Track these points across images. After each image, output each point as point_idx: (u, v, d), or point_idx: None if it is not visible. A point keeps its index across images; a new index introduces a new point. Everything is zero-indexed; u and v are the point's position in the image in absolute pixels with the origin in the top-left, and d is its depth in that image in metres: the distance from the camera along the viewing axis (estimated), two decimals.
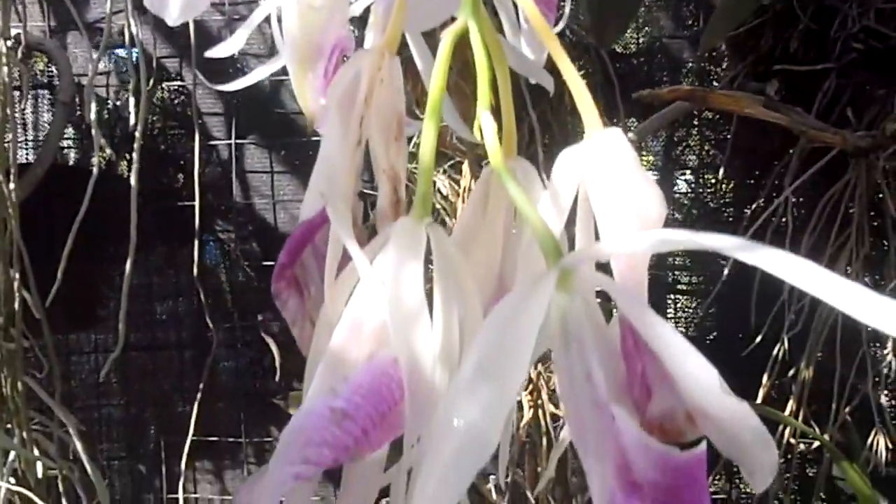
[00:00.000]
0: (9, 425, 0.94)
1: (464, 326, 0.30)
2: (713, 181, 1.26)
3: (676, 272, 1.36)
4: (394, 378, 0.27)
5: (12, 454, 0.90)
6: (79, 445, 0.88)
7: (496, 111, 0.33)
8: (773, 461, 0.26)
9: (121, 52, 1.35)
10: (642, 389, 0.27)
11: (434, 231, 0.30)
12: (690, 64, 1.22)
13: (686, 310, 1.34)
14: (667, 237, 0.24)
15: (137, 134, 0.91)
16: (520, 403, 1.03)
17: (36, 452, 0.95)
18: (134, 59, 1.14)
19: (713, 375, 0.24)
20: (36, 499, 0.86)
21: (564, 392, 0.25)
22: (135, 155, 0.91)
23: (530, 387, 1.01)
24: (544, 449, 1.02)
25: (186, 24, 1.24)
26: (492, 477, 1.10)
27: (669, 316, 1.33)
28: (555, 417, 1.05)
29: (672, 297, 1.36)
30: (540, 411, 1.01)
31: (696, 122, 1.25)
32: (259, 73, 0.44)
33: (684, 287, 1.33)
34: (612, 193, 0.28)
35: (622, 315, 0.26)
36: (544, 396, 1.01)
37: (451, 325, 0.29)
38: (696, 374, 0.24)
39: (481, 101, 0.31)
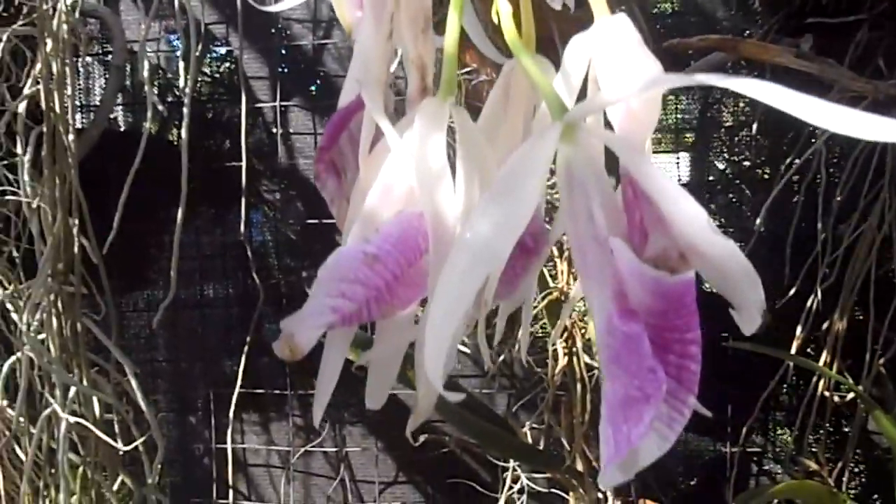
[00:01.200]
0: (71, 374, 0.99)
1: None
2: (748, 139, 1.27)
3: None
4: (419, 230, 0.31)
5: (71, 393, 0.96)
6: (134, 383, 0.93)
7: None
8: (759, 297, 0.29)
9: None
10: (641, 236, 0.30)
11: (458, 111, 0.34)
12: (725, 23, 1.23)
13: None
14: (656, 77, 0.27)
15: (188, 90, 0.96)
16: (554, 351, 1.06)
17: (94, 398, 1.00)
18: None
19: (702, 215, 0.27)
20: (95, 430, 0.91)
21: (570, 232, 0.28)
22: (185, 110, 0.95)
23: (565, 334, 1.04)
24: (579, 396, 1.05)
25: None
26: (527, 423, 1.14)
27: None
28: (589, 367, 1.07)
29: None
30: (575, 359, 1.04)
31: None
32: None
33: None
34: (617, 67, 0.31)
35: (622, 165, 0.29)
36: (579, 345, 1.04)
37: (472, 191, 0.33)
38: (687, 214, 0.27)
39: None
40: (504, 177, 0.26)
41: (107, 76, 1.39)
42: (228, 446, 1.33)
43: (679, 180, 1.33)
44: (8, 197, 0.92)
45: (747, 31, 1.19)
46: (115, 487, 1.04)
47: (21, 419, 0.93)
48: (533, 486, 1.14)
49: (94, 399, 1.00)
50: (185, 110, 0.95)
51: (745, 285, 0.28)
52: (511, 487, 1.13)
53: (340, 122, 0.36)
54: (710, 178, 1.36)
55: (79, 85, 1.36)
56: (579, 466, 1.09)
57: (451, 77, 0.33)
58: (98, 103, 1.39)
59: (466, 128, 0.34)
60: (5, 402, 0.99)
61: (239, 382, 1.30)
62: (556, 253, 1.06)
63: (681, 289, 0.27)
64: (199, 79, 1.40)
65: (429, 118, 0.32)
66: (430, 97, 0.33)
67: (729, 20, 1.23)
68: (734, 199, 1.32)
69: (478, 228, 0.25)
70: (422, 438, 0.96)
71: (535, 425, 1.12)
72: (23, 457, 0.96)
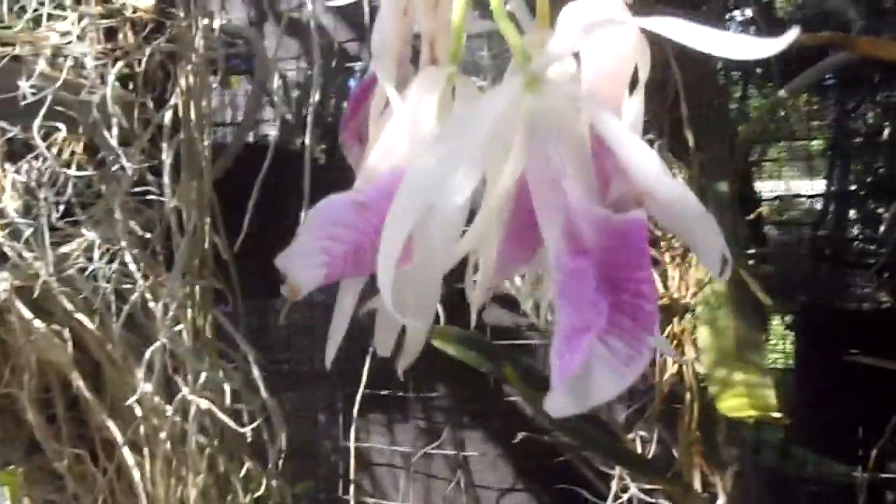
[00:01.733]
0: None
1: None
2: (886, 146, 1.21)
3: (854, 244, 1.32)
4: None
5: (202, 379, 1.04)
6: (256, 372, 1.00)
7: None
8: (716, 240, 0.29)
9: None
10: (605, 185, 0.31)
11: (462, 80, 0.36)
12: (860, 23, 1.18)
13: (860, 279, 1.29)
14: (590, 24, 0.28)
15: (312, 101, 1.03)
16: (664, 361, 1.05)
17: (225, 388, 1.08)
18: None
19: (655, 161, 0.29)
20: (224, 416, 0.98)
21: (530, 176, 0.30)
22: (309, 119, 1.02)
23: (675, 342, 1.02)
24: (686, 406, 1.02)
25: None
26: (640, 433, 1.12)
27: (844, 288, 1.29)
28: (700, 377, 1.05)
29: (847, 269, 1.32)
30: (684, 367, 1.02)
31: (866, 88, 1.22)
32: None
33: (855, 259, 1.29)
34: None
35: (588, 118, 0.31)
36: (690, 353, 1.02)
37: None
38: (640, 160, 0.29)
39: None
40: (457, 118, 0.29)
41: (249, 91, 1.50)
42: (351, 444, 1.38)
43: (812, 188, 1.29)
44: (151, 197, 1.01)
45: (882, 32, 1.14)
46: (242, 474, 1.11)
47: (157, 399, 1.01)
48: (644, 497, 1.12)
49: (225, 387, 1.07)
50: (308, 119, 1.02)
51: (699, 226, 0.29)
52: (619, 496, 1.12)
53: (362, 93, 0.39)
54: (852, 186, 1.31)
55: (226, 101, 1.48)
56: (696, 482, 1.06)
57: (456, 50, 0.36)
58: (241, 118, 1.50)
59: (468, 95, 0.36)
60: (149, 387, 1.08)
61: (363, 384, 1.35)
62: (668, 260, 1.04)
63: (627, 226, 0.28)
64: (334, 95, 1.48)
65: (425, 83, 0.35)
66: (429, 66, 0.36)
67: (863, 21, 1.18)
68: (875, 207, 1.26)
69: (423, 164, 0.27)
70: (519, 436, 0.97)
71: (642, 433, 1.10)
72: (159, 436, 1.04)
